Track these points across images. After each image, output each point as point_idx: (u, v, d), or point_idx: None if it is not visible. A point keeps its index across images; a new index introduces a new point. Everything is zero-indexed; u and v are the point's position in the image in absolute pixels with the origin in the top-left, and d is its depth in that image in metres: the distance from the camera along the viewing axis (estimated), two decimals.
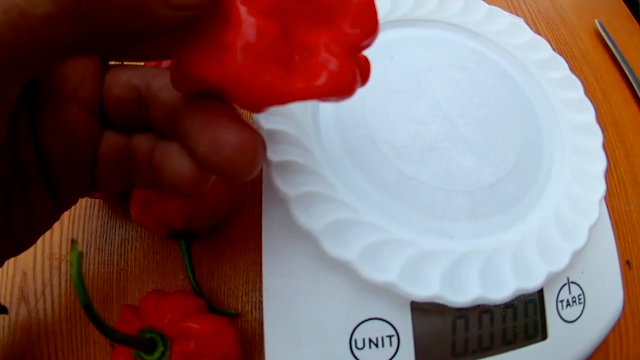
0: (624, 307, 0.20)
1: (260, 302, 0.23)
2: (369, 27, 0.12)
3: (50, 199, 0.14)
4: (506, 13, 0.25)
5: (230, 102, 0.13)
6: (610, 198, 0.29)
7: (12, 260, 0.24)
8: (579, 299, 0.19)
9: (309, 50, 0.12)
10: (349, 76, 0.11)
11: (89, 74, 0.14)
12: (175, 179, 0.13)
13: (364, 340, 0.17)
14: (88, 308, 0.13)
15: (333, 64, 0.11)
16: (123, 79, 0.14)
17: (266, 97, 0.11)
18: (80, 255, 0.13)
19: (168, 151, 0.14)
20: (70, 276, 0.22)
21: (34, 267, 0.24)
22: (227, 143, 0.12)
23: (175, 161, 0.13)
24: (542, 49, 0.24)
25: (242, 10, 0.11)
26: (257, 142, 0.12)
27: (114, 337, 0.15)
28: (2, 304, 0.22)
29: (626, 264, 0.27)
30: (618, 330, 0.25)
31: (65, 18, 0.10)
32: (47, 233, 0.25)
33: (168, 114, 0.14)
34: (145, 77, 0.15)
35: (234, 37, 0.11)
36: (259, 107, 0.11)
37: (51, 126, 0.14)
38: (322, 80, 0.11)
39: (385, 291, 0.16)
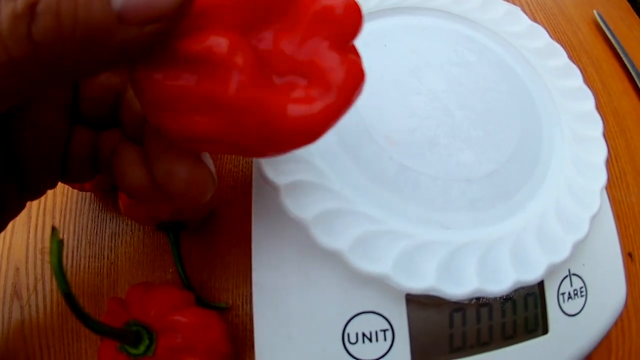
0: (626, 301, 0.20)
1: (252, 296, 0.22)
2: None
3: (17, 192, 0.14)
4: (502, 1, 0.25)
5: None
6: (612, 189, 0.28)
7: (5, 255, 0.24)
8: (581, 292, 0.19)
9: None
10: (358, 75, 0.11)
11: None
12: (128, 188, 0.14)
13: (357, 334, 0.16)
14: (68, 297, 0.13)
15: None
16: (102, 79, 0.14)
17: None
18: (60, 243, 0.12)
19: (127, 158, 0.13)
20: None
21: (27, 262, 0.24)
22: (179, 179, 0.12)
23: (131, 170, 0.13)
24: (540, 36, 0.24)
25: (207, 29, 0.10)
26: (207, 178, 0.13)
27: (97, 329, 0.14)
28: None
29: (628, 257, 0.26)
30: (620, 324, 0.24)
31: (24, 64, 0.09)
32: (40, 227, 0.25)
33: (138, 122, 0.14)
34: (124, 77, 0.14)
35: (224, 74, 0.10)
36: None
37: (23, 127, 0.13)
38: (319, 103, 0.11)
39: (379, 283, 0.16)
